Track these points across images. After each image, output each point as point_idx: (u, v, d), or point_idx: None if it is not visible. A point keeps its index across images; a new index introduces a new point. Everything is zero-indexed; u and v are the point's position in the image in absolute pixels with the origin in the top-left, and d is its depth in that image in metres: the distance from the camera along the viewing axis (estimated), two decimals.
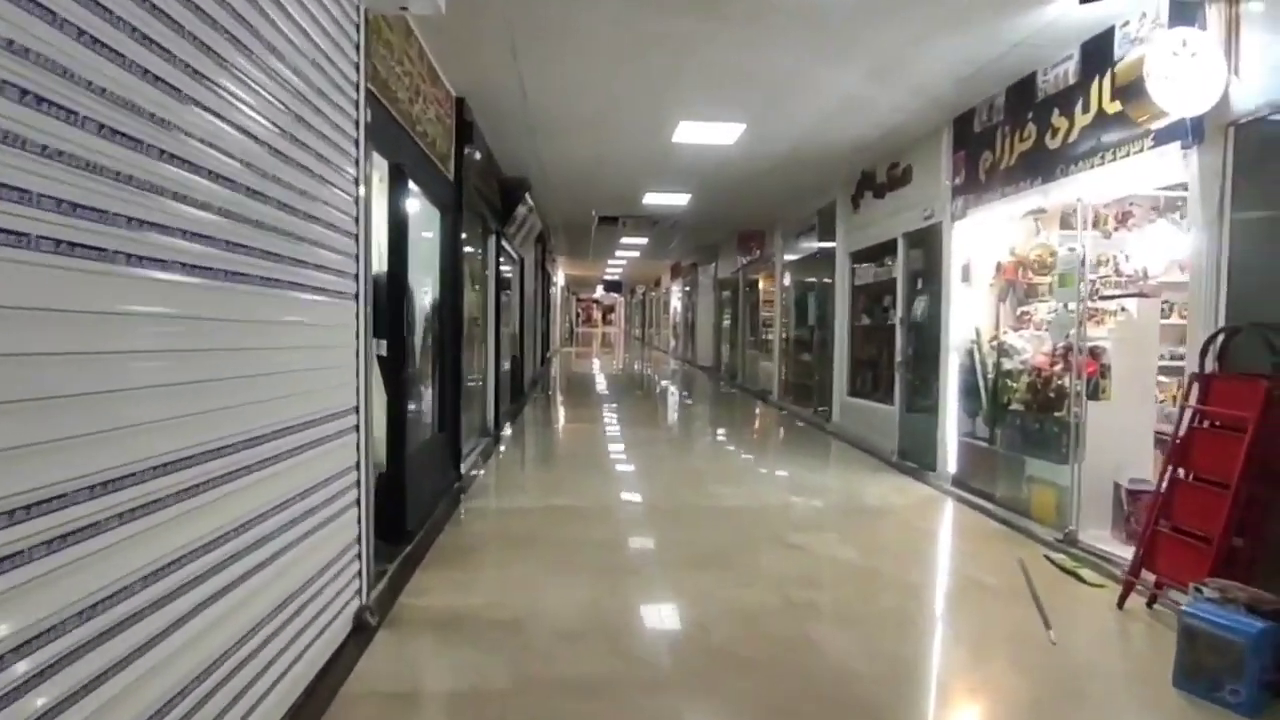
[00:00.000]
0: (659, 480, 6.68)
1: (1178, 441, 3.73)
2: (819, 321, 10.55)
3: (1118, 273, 5.37)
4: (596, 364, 24.50)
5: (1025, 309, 5.95)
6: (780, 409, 11.81)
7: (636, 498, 5.97)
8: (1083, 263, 4.74)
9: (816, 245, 10.42)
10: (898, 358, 7.56)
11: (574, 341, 41.20)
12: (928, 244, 7.04)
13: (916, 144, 7.10)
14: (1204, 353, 3.69)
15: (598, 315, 67.42)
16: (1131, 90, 3.78)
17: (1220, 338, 3.67)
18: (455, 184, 5.97)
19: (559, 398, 14.33)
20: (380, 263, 4.28)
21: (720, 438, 9.34)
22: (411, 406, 5.25)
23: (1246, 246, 3.64)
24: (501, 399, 9.73)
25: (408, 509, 4.53)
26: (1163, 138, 4.05)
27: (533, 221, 10.72)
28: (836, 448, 8.43)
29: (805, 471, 7.08)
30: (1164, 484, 3.74)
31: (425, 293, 5.75)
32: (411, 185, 4.74)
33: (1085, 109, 4.71)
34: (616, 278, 32.49)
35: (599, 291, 46.87)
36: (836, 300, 9.43)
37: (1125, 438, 4.93)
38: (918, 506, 5.83)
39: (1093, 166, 4.62)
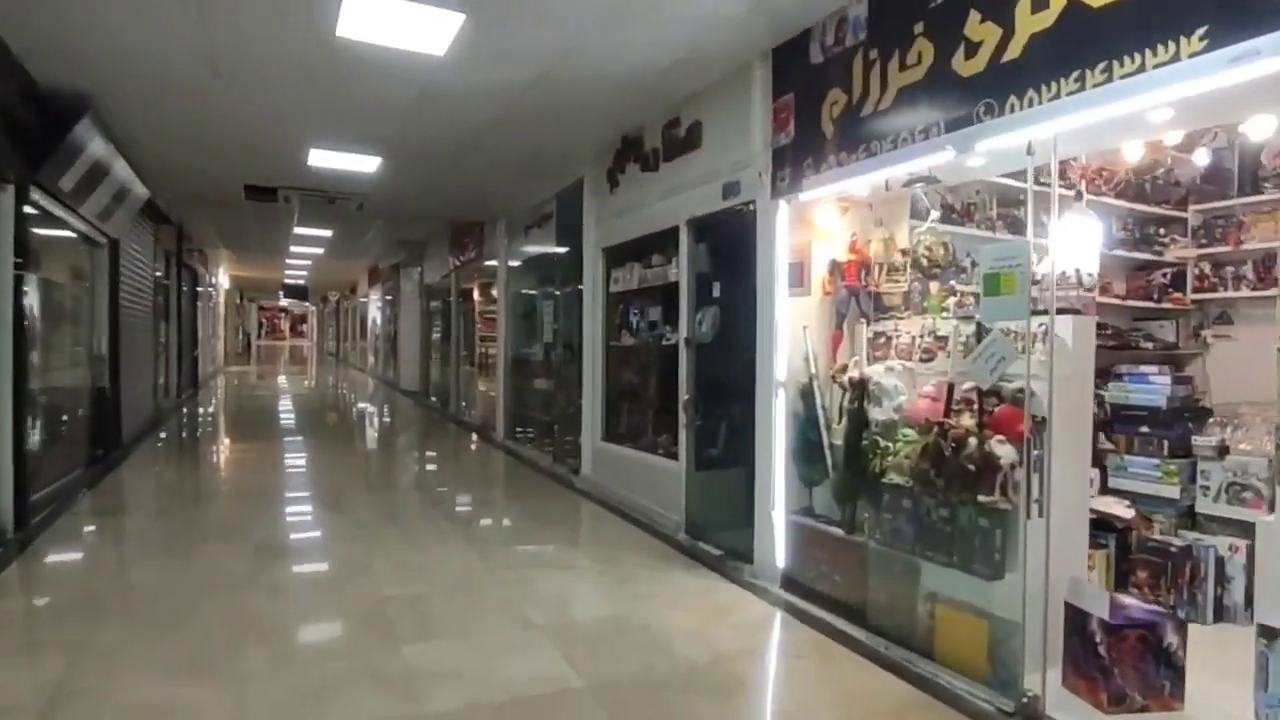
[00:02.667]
0: (320, 642, 3.68)
1: None
2: (558, 338, 8.16)
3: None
4: (275, 387, 19.55)
5: (879, 329, 4.11)
6: (508, 452, 9.17)
7: (261, 713, 2.93)
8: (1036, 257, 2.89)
9: (554, 241, 8.03)
10: (683, 393, 5.40)
11: (252, 358, 34.26)
12: (728, 234, 4.98)
13: (711, 90, 5.01)
14: None
15: (286, 327, 59.48)
16: None
17: None
18: None
19: (195, 446, 10.11)
20: None
21: (428, 515, 6.36)
22: None
23: None
24: (47, 470, 5.78)
25: None
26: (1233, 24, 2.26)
27: (122, 178, 6.82)
28: (594, 519, 6.05)
29: (560, 577, 4.54)
30: None
31: None
32: None
33: (1041, 2, 2.86)
34: (301, 281, 27.12)
35: (287, 299, 40.13)
36: (585, 312, 7.11)
37: (1065, 528, 3.20)
38: (757, 651, 3.64)
39: (1064, 95, 2.77)
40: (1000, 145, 3.00)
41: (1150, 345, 5.87)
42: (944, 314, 3.79)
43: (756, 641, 3.73)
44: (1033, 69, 2.88)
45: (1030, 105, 2.88)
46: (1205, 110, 2.81)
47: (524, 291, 9.81)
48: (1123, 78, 2.57)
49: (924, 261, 3.69)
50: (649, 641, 3.55)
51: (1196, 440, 4.22)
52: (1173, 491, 4.19)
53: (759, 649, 3.65)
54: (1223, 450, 4.12)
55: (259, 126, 6.21)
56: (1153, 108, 2.61)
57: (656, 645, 3.51)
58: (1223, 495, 4.12)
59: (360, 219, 10.84)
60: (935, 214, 3.76)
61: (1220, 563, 3.94)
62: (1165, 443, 4.26)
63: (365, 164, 7.24)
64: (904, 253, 4.25)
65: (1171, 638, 2.94)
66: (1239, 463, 4.06)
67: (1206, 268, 6.04)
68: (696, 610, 3.95)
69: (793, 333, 4.31)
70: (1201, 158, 4.86)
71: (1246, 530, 4.00)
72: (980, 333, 3.34)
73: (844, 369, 4.13)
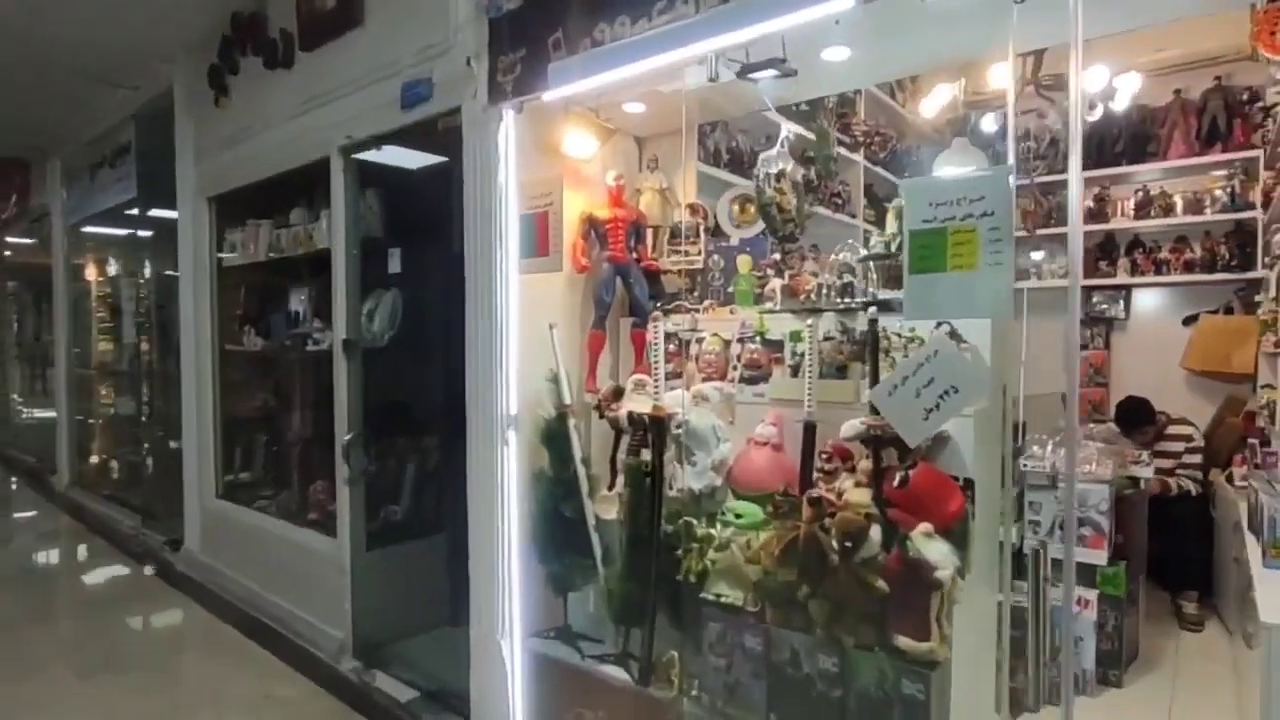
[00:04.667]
0: None
1: None
2: (150, 337, 5.36)
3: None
4: None
5: (668, 329, 2.54)
6: (73, 511, 6.00)
7: None
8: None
9: (134, 186, 5.21)
10: (342, 430, 3.32)
11: None
12: (416, 170, 3.04)
13: None
14: None
15: None
16: None
17: None
18: None
19: None
20: None
21: None
22: None
23: None
24: None
25: None
26: None
27: None
28: (198, 645, 3.68)
29: None
30: None
31: None
32: None
33: None
34: None
35: None
36: (182, 297, 4.54)
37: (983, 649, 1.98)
38: None
39: None
40: None
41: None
42: (769, 305, 2.35)
43: None
44: None
45: None
46: None
47: (97, 258, 6.60)
48: None
49: (774, 214, 2.17)
50: None
51: (1024, 465, 3.40)
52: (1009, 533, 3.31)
53: None
54: (1054, 477, 3.35)
55: None
56: None
57: None
58: (1056, 532, 3.35)
59: None
60: (788, 131, 2.27)
61: None
62: None
63: None
64: (693, 210, 2.78)
65: None
66: (1076, 492, 3.29)
67: None
68: None
69: (529, 332, 2.55)
70: (989, 123, 4.15)
71: (1084, 575, 3.29)
72: (875, 337, 1.93)
73: (617, 395, 2.49)
